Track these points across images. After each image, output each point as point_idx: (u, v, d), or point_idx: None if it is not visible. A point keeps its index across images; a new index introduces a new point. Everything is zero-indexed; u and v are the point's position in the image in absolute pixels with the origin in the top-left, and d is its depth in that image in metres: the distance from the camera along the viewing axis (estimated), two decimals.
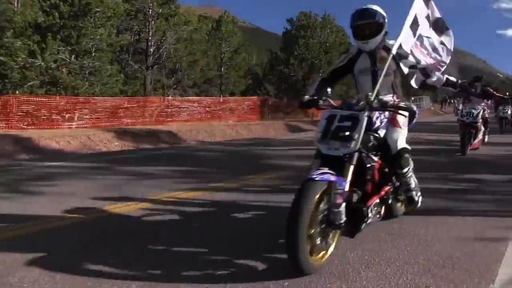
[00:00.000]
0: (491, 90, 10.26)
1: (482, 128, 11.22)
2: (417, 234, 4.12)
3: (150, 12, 26.28)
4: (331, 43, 41.18)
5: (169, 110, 20.97)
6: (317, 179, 3.06)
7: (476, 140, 10.89)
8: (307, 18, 41.26)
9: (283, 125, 22.85)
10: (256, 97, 30.43)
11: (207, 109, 22.88)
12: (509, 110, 18.93)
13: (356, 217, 3.43)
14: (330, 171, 3.15)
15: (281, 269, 3.16)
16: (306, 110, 31.46)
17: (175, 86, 30.18)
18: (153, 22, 26.57)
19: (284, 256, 3.07)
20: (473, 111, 10.69)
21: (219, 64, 36.79)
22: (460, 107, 11.92)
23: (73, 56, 20.35)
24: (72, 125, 16.41)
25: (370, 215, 3.52)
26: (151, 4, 26.14)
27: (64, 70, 19.69)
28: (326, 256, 3.29)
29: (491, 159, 10.35)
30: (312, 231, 3.06)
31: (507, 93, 19.03)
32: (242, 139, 16.89)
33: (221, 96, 33.65)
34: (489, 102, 12.44)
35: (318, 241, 3.13)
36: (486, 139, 11.90)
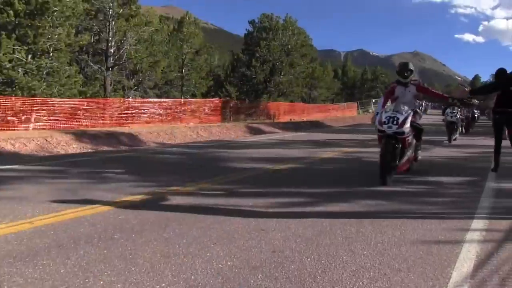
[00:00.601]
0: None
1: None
2: (374, 237, 4.26)
3: (111, 12, 25.85)
4: (292, 45, 41.50)
5: (130, 111, 20.77)
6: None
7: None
8: (269, 20, 41.47)
9: (244, 127, 22.96)
10: (217, 99, 30.50)
11: (168, 110, 22.78)
12: (458, 113, 16.94)
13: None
14: None
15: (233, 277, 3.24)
16: (268, 112, 31.88)
17: (136, 87, 29.85)
18: (113, 22, 26.12)
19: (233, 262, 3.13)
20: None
21: (180, 66, 36.57)
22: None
23: (29, 56, 19.89)
24: (28, 126, 16.05)
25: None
26: (111, 4, 25.71)
27: (20, 70, 19.22)
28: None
29: (448, 161, 10.79)
30: None
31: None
32: (202, 141, 16.91)
33: (182, 97, 33.51)
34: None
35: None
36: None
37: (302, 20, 47.44)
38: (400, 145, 7.30)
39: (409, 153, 7.75)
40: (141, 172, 8.51)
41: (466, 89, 9.63)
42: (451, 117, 16.18)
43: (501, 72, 9.72)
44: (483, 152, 12.65)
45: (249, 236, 4.23)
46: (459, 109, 16.28)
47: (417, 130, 8.01)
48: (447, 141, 15.59)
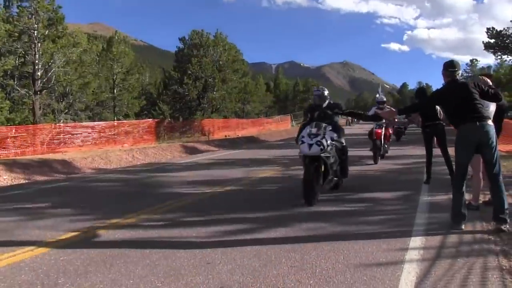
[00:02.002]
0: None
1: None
2: (319, 264, 4.38)
3: (36, 34, 25.17)
4: (224, 61, 41.96)
5: (62, 136, 20.29)
6: None
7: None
8: (199, 36, 41.76)
9: (179, 147, 22.89)
10: (151, 119, 30.25)
11: (101, 134, 22.41)
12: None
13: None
14: None
15: None
16: (202, 129, 31.92)
17: (67, 110, 29.17)
18: (39, 44, 25.41)
19: None
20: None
21: (112, 86, 36.07)
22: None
23: None
24: None
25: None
26: (36, 26, 25.07)
27: None
28: None
29: (381, 174, 11.26)
30: None
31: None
32: (139, 165, 16.79)
33: (115, 118, 33.05)
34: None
35: None
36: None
37: (232, 34, 47.97)
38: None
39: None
40: (79, 204, 8.35)
41: (393, 109, 9.62)
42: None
43: (421, 92, 10.46)
44: (414, 162, 13.24)
45: (196, 271, 4.28)
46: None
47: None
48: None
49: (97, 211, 7.52)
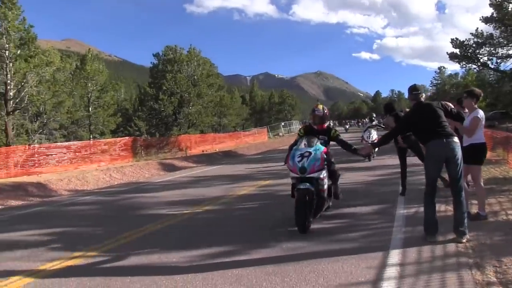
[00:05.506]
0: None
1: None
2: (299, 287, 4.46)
3: (7, 54, 24.83)
4: (198, 76, 42.01)
5: (36, 157, 19.95)
6: None
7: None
8: (173, 52, 41.81)
9: (157, 164, 22.72)
10: (128, 137, 29.94)
11: (77, 153, 22.11)
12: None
13: None
14: None
15: None
16: (179, 145, 31.79)
17: (41, 130, 28.74)
18: (11, 64, 25.09)
19: None
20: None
21: (87, 104, 35.72)
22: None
23: None
24: None
25: None
26: (7, 45, 24.73)
27: None
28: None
29: (358, 186, 11.33)
30: None
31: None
32: (116, 185, 16.61)
33: (91, 136, 32.69)
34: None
35: None
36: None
37: (206, 47, 48.25)
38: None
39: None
40: (56, 231, 8.22)
41: (369, 144, 9.76)
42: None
43: (389, 107, 10.69)
44: (389, 173, 13.39)
45: None
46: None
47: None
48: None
49: (75, 239, 7.42)
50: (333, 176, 7.62)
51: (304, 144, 7.23)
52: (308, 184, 6.70)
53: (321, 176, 6.89)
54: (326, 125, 7.91)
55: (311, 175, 6.78)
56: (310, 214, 6.74)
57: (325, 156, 7.06)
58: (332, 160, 7.57)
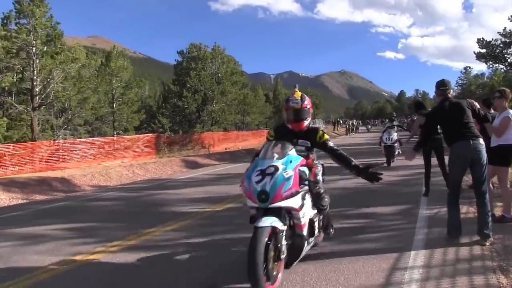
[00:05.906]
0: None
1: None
2: (320, 287, 4.37)
3: (34, 50, 25.09)
4: (222, 74, 41.96)
5: (61, 152, 20.07)
6: None
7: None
8: (197, 49, 41.82)
9: (180, 161, 22.72)
10: (151, 134, 30.01)
11: (101, 149, 22.20)
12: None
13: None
14: None
15: None
16: (202, 142, 31.75)
17: (65, 125, 29.01)
18: (37, 60, 25.35)
19: None
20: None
21: (111, 101, 35.96)
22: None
23: None
24: None
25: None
26: (34, 42, 25.00)
27: None
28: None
29: (380, 187, 11.09)
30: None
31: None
32: (139, 181, 16.61)
33: (115, 133, 32.91)
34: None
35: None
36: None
37: (231, 45, 48.26)
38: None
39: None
40: (79, 226, 8.23)
41: (412, 150, 8.96)
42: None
43: (418, 105, 10.46)
44: (413, 173, 13.11)
45: None
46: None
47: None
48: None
49: (98, 233, 7.44)
50: (319, 202, 4.99)
51: (271, 153, 4.66)
52: (273, 219, 4.18)
53: (295, 205, 4.41)
54: (306, 124, 5.22)
55: (276, 204, 4.27)
56: (275, 263, 4.27)
57: (304, 173, 4.70)
58: (319, 178, 5.19)
